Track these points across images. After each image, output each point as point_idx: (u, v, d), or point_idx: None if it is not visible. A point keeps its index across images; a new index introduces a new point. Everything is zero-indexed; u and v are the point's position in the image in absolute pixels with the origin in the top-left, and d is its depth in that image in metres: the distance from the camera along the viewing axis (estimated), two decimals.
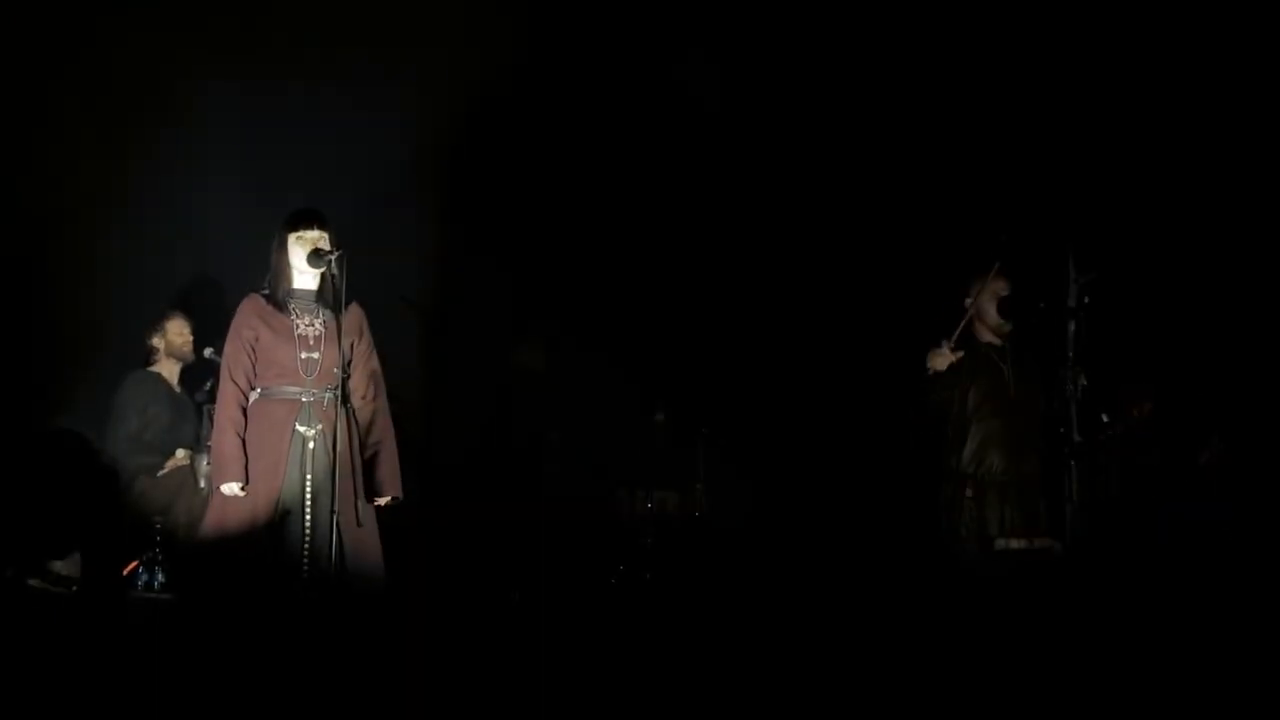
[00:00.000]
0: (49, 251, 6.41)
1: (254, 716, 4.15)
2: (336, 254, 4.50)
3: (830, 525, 7.21)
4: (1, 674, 4.24)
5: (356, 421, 4.67)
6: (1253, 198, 6.29)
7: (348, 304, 4.58)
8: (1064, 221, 5.25)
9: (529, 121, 7.80)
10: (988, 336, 5.19)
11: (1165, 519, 6.14)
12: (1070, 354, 4.59)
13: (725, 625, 6.17)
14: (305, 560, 4.46)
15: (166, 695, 4.19)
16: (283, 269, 4.65)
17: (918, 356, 5.21)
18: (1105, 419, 4.80)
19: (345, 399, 4.52)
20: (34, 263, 6.35)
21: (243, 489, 4.47)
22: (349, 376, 4.63)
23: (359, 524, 4.54)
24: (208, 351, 6.22)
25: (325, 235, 4.64)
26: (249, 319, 4.61)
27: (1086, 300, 4.58)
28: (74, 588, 5.49)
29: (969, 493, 5.00)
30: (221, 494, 4.50)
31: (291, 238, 4.65)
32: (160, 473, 6.11)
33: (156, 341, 6.33)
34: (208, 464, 5.17)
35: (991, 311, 5.14)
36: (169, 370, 6.35)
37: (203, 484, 5.84)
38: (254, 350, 4.59)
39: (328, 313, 4.62)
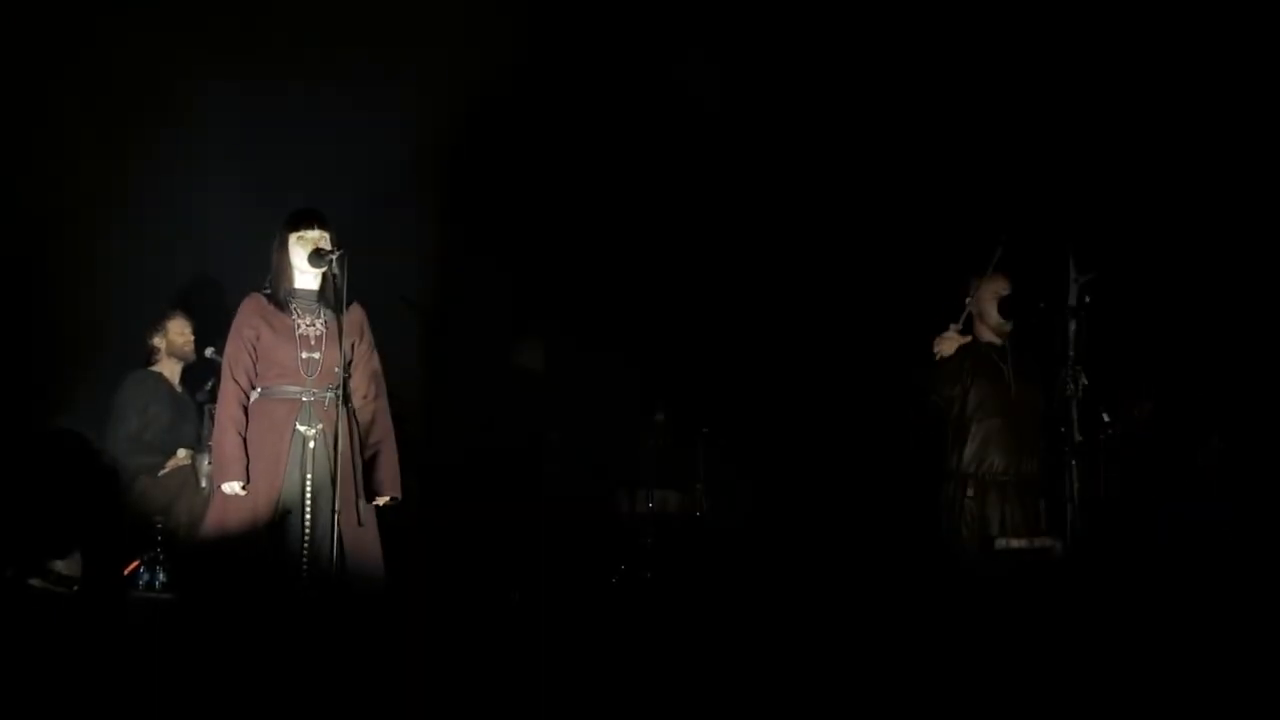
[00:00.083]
0: (49, 251, 6.41)
1: (254, 716, 4.15)
2: (338, 254, 4.51)
3: (830, 525, 7.21)
4: (2, 674, 4.23)
5: (357, 421, 4.67)
6: (1253, 197, 6.29)
7: (349, 304, 4.58)
8: (1064, 221, 5.25)
9: (529, 121, 7.80)
10: (988, 336, 5.19)
11: (1165, 519, 6.14)
12: (1070, 354, 4.59)
13: (725, 625, 6.17)
14: (305, 560, 4.46)
15: (166, 695, 4.19)
16: (284, 269, 4.65)
17: (918, 357, 5.21)
18: (1106, 419, 4.80)
19: (346, 399, 4.52)
20: (34, 263, 6.35)
21: (244, 488, 4.47)
22: (350, 376, 4.63)
23: (360, 524, 4.54)
24: (208, 351, 6.22)
25: (326, 235, 4.64)
26: (250, 318, 4.61)
27: (1087, 300, 4.58)
28: (75, 587, 5.49)
29: (969, 492, 5.00)
30: (222, 493, 4.50)
31: (292, 238, 4.65)
32: (161, 472, 6.11)
33: (157, 341, 6.33)
34: (209, 464, 5.17)
35: (992, 311, 5.14)
36: (170, 370, 6.35)
37: (204, 484, 5.84)
38: (255, 349, 4.59)
39: (329, 313, 4.62)
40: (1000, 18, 6.74)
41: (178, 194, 6.69)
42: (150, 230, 6.62)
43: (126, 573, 5.71)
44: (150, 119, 6.62)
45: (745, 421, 7.86)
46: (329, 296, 4.63)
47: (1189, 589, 5.35)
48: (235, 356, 4.59)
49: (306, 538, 4.48)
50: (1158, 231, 6.41)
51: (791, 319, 7.80)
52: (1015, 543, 4.88)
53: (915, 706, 4.51)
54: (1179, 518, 6.11)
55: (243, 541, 4.44)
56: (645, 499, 7.53)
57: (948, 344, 5.08)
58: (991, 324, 5.16)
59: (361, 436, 4.68)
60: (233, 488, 4.47)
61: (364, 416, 4.72)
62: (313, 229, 4.64)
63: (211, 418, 4.96)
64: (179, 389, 6.38)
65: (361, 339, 4.73)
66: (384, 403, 4.80)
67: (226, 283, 6.48)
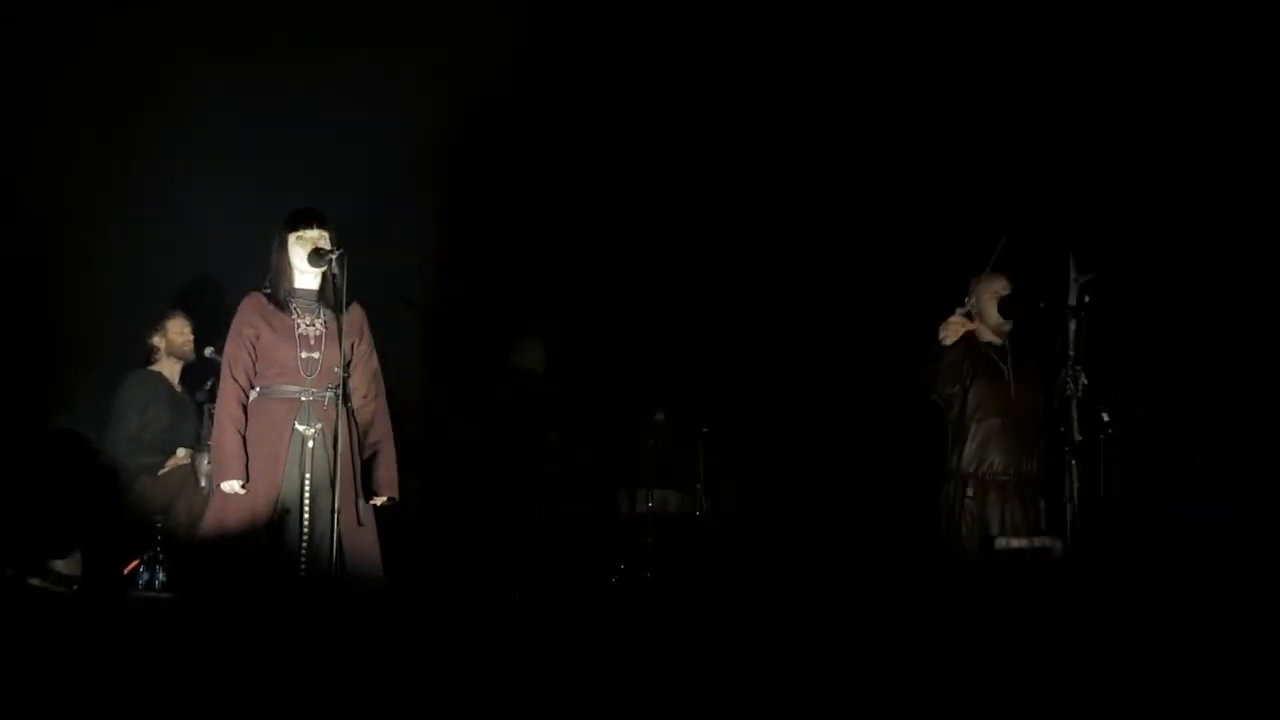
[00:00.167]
0: (49, 251, 6.41)
1: (254, 716, 4.14)
2: (337, 253, 4.51)
3: (830, 525, 7.21)
4: (2, 674, 4.23)
5: (356, 422, 4.67)
6: (1253, 197, 6.28)
7: (348, 304, 4.58)
8: (1064, 221, 5.25)
9: (529, 121, 7.80)
10: (988, 336, 5.18)
11: (1165, 519, 6.13)
12: (1070, 354, 4.59)
13: (725, 625, 6.17)
14: (303, 559, 4.46)
15: (166, 695, 4.19)
16: (283, 269, 4.65)
17: (918, 357, 5.21)
18: (1106, 418, 4.80)
19: (346, 398, 4.52)
20: (34, 263, 6.35)
21: (243, 487, 4.48)
22: (349, 376, 4.63)
23: (359, 523, 4.54)
24: (208, 351, 6.22)
25: (325, 235, 4.64)
26: (250, 317, 4.62)
27: (1086, 299, 4.58)
28: (75, 587, 5.49)
29: (969, 492, 5.00)
30: (221, 492, 4.50)
31: (291, 237, 4.65)
32: (161, 472, 6.11)
33: (157, 341, 6.33)
34: (208, 463, 5.17)
35: (991, 311, 5.14)
36: (170, 369, 6.35)
37: (204, 483, 5.84)
38: (254, 349, 4.59)
39: (329, 312, 4.62)
40: (1000, 17, 6.73)
41: (178, 194, 6.69)
42: (150, 230, 6.62)
43: (126, 572, 5.70)
44: (150, 119, 6.62)
45: (745, 421, 7.86)
46: (329, 296, 4.63)
47: (1189, 589, 5.35)
48: (235, 355, 4.59)
49: (305, 537, 4.48)
50: (1158, 230, 6.41)
51: (791, 319, 7.80)
52: (1015, 542, 4.88)
53: (915, 706, 4.51)
54: (1179, 518, 6.11)
55: (241, 541, 4.44)
56: (645, 499, 7.53)
57: (953, 329, 5.06)
58: (991, 324, 5.16)
59: (360, 436, 4.68)
60: (232, 486, 4.47)
61: (363, 417, 4.72)
62: (312, 228, 4.64)
63: (211, 417, 4.96)
64: (179, 388, 6.38)
65: (361, 339, 4.73)
66: (383, 403, 4.80)
67: (226, 283, 6.48)
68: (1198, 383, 6.48)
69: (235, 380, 4.57)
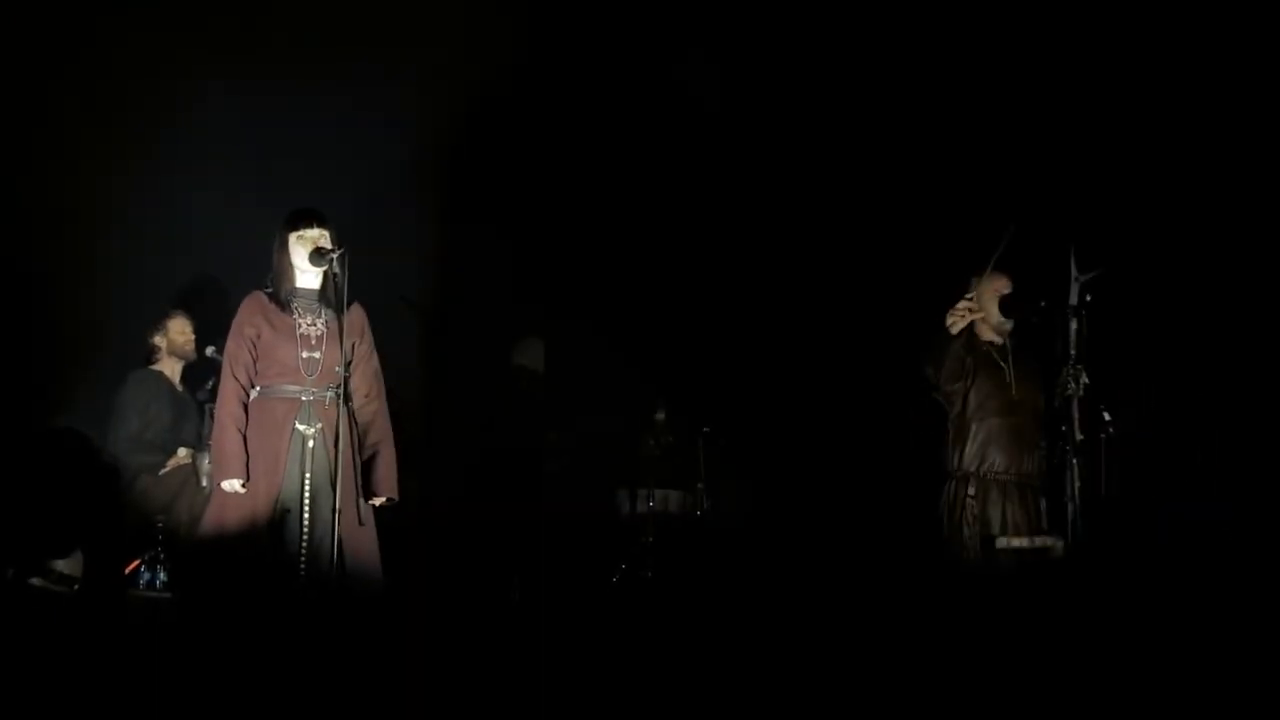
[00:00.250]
0: (49, 251, 6.41)
1: (254, 716, 4.14)
2: (338, 252, 4.50)
3: (831, 524, 7.21)
4: (2, 674, 4.23)
5: (356, 422, 4.67)
6: (1253, 196, 6.28)
7: (349, 304, 4.58)
8: (1065, 219, 5.25)
9: (529, 121, 7.80)
10: (989, 335, 5.18)
11: (1165, 519, 6.13)
12: (1072, 352, 4.59)
13: (725, 625, 6.17)
14: (303, 559, 4.46)
15: (167, 695, 4.19)
16: (284, 269, 4.65)
17: (918, 354, 5.20)
18: (1107, 418, 4.80)
19: (347, 398, 4.52)
20: (34, 263, 6.35)
21: (243, 486, 4.47)
22: (350, 376, 4.63)
23: (360, 523, 4.54)
24: (209, 350, 6.22)
25: (326, 234, 4.64)
26: (251, 316, 4.62)
27: (1088, 299, 4.58)
28: (76, 587, 5.48)
29: (971, 491, 5.00)
30: (222, 490, 4.50)
31: (292, 237, 4.65)
32: (162, 471, 6.11)
33: (158, 340, 6.32)
34: (209, 463, 5.17)
35: (993, 310, 5.13)
36: (171, 369, 6.35)
37: (205, 483, 5.84)
38: (255, 347, 4.59)
39: (330, 312, 4.62)
40: (1000, 17, 6.73)
41: (178, 194, 6.69)
42: (151, 230, 6.62)
43: (127, 572, 5.70)
44: (150, 119, 6.62)
45: (746, 421, 7.86)
46: (330, 296, 4.63)
47: (1189, 589, 5.35)
48: (236, 354, 4.59)
49: (305, 537, 4.48)
50: (1158, 230, 6.41)
51: (792, 318, 7.80)
52: (1016, 542, 4.88)
53: (915, 706, 4.51)
54: (1179, 518, 6.11)
55: (241, 540, 4.44)
56: (646, 498, 7.52)
57: (960, 316, 5.05)
58: (993, 323, 5.16)
59: (360, 437, 4.68)
60: (232, 485, 4.47)
61: (363, 417, 4.72)
62: (312, 228, 4.64)
63: (212, 417, 4.96)
64: (180, 388, 6.38)
65: (362, 339, 4.74)
66: (383, 404, 4.80)
67: (227, 282, 6.48)
68: (1197, 382, 6.48)
69: (236, 379, 4.57)
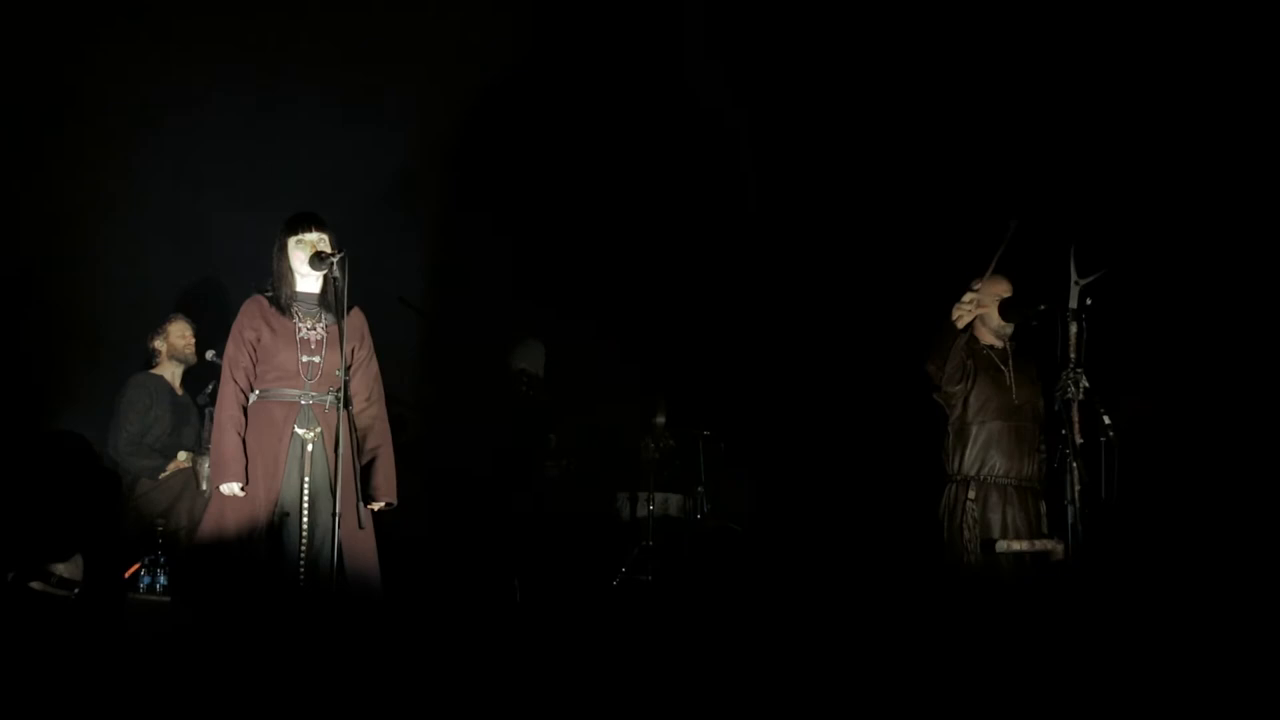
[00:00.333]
0: (49, 252, 6.41)
1: (253, 718, 4.15)
2: (339, 256, 4.49)
3: (832, 528, 7.20)
4: (3, 676, 4.23)
5: (355, 426, 4.66)
6: (1254, 196, 6.28)
7: (349, 307, 4.57)
8: (1065, 223, 5.24)
9: (529, 122, 7.80)
10: (989, 339, 5.18)
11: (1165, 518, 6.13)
12: (1071, 356, 4.60)
13: (725, 627, 6.17)
14: (303, 563, 4.46)
15: (167, 698, 4.19)
16: (284, 273, 4.64)
17: (918, 356, 5.20)
18: (1107, 420, 4.80)
19: (347, 402, 4.52)
20: (34, 263, 6.35)
21: (242, 489, 4.47)
22: (349, 380, 4.62)
23: (360, 527, 4.54)
24: (209, 354, 6.22)
25: (325, 237, 4.63)
26: (251, 319, 4.61)
27: (1088, 302, 4.58)
28: (76, 590, 5.49)
29: (971, 495, 5.00)
30: (220, 493, 4.50)
31: (291, 241, 4.65)
32: (162, 475, 6.12)
33: (158, 344, 6.32)
34: (209, 466, 5.16)
35: (993, 314, 5.13)
36: (171, 372, 6.35)
37: (204, 486, 5.84)
38: (255, 351, 4.59)
39: (330, 317, 4.62)
40: (1001, 17, 6.73)
41: (178, 195, 6.70)
42: (150, 231, 6.63)
43: (127, 576, 5.70)
44: (150, 119, 6.62)
45: (746, 424, 7.85)
46: (330, 300, 4.62)
47: (1189, 589, 5.35)
48: (235, 357, 4.59)
49: (304, 541, 4.48)
50: (1158, 229, 6.40)
51: (793, 321, 7.79)
52: (1016, 545, 4.88)
53: (916, 708, 4.51)
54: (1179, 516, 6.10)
55: (240, 543, 4.44)
56: (646, 501, 7.52)
57: (966, 311, 5.04)
58: (992, 326, 5.16)
59: (359, 441, 4.68)
60: (231, 488, 4.47)
61: (362, 421, 4.71)
62: (310, 231, 4.63)
63: (213, 420, 4.96)
64: (180, 392, 6.38)
65: (361, 344, 4.73)
66: (382, 408, 4.79)
67: (227, 285, 6.49)
68: (1198, 383, 6.48)
69: (235, 382, 4.57)
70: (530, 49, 7.47)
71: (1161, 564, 5.45)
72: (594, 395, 7.68)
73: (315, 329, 4.61)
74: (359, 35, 7.10)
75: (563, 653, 5.51)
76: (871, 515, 6.87)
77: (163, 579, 5.65)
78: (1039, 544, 4.89)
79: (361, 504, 4.58)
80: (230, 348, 4.63)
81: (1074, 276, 4.63)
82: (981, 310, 5.09)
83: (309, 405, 4.56)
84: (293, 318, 4.61)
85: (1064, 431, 4.59)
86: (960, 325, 5.04)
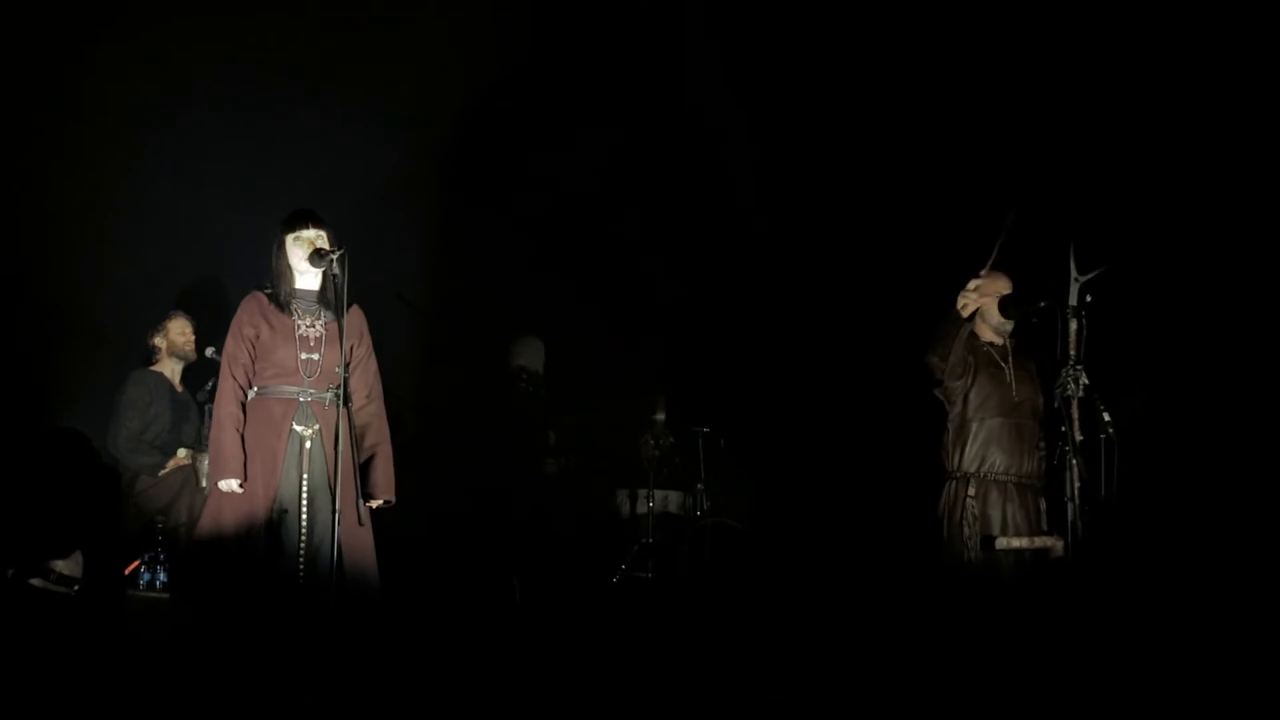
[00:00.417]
0: (49, 252, 6.41)
1: (253, 717, 4.14)
2: (338, 253, 4.50)
3: (832, 525, 7.20)
4: (2, 674, 4.23)
5: (353, 424, 4.66)
6: (1255, 193, 6.28)
7: (349, 305, 4.58)
8: (1065, 219, 5.24)
9: (528, 122, 7.80)
10: (989, 335, 5.18)
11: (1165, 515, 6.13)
12: (1071, 353, 4.60)
13: (725, 625, 6.17)
14: (302, 560, 4.46)
15: (166, 696, 4.19)
16: (283, 270, 4.65)
17: (918, 351, 5.20)
18: (1107, 418, 4.79)
19: (346, 399, 4.52)
20: (34, 263, 6.35)
21: (241, 486, 4.47)
22: (349, 378, 4.62)
23: (359, 524, 4.54)
24: (209, 351, 6.23)
25: (323, 234, 4.64)
26: (251, 316, 4.62)
27: (1088, 299, 4.58)
28: (75, 587, 5.48)
29: (971, 492, 5.00)
30: (219, 490, 4.50)
31: (289, 238, 4.65)
32: (162, 472, 6.12)
33: (158, 341, 6.33)
34: (209, 463, 5.17)
35: (993, 310, 5.13)
36: (171, 369, 6.35)
37: (204, 483, 5.84)
38: (254, 348, 4.59)
39: (329, 314, 4.62)
40: (1001, 16, 6.73)
41: (178, 194, 6.70)
42: (150, 230, 6.63)
43: (127, 573, 5.70)
44: (150, 120, 6.63)
45: (746, 421, 7.85)
46: (329, 297, 4.62)
47: (1189, 589, 5.35)
48: (234, 354, 4.59)
49: (303, 538, 4.48)
50: (1158, 226, 6.40)
51: (793, 318, 7.79)
52: (1016, 542, 4.88)
53: (916, 706, 4.51)
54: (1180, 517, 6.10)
55: (238, 540, 4.44)
56: (645, 499, 7.52)
57: (971, 299, 5.04)
58: (992, 323, 5.16)
59: (358, 439, 4.68)
60: (230, 485, 4.47)
61: (360, 419, 4.71)
62: (309, 228, 4.64)
63: (212, 417, 4.96)
64: (180, 389, 6.38)
65: (360, 342, 4.73)
66: (380, 406, 4.80)
67: (227, 282, 6.49)
68: (1199, 381, 6.48)
69: (234, 378, 4.57)
70: (530, 48, 7.48)
71: (1161, 561, 5.45)
72: (593, 392, 7.68)
73: (314, 326, 4.62)
74: (358, 35, 7.10)
75: (562, 650, 5.51)
76: (871, 512, 6.86)
77: (163, 576, 5.65)
78: (1039, 541, 4.89)
79: (360, 501, 4.58)
80: (229, 344, 4.64)
81: (1074, 273, 4.63)
82: (984, 302, 5.09)
83: (308, 402, 4.56)
84: (292, 315, 4.61)
85: (1064, 428, 4.59)
86: (965, 314, 5.04)
